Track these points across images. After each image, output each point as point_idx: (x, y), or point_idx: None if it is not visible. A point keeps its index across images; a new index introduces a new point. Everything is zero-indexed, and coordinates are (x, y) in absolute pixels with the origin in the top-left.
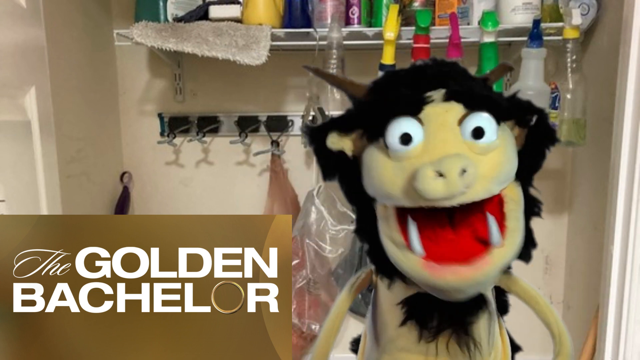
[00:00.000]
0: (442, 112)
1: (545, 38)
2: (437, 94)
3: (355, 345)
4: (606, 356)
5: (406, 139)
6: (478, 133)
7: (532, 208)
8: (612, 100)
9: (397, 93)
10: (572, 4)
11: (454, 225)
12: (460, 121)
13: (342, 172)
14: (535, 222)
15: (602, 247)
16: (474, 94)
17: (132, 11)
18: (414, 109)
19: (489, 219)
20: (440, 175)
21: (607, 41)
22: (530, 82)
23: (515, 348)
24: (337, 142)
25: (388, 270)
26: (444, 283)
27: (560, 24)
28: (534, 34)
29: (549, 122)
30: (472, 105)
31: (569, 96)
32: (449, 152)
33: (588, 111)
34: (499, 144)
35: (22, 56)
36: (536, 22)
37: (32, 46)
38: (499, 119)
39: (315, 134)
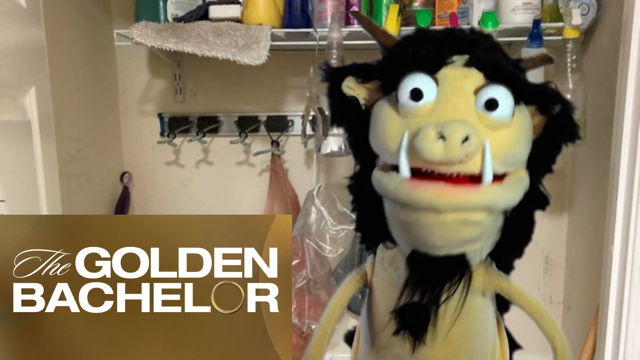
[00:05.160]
0: (460, 76)
1: (545, 38)
2: (460, 58)
3: (349, 337)
4: (606, 356)
5: (417, 94)
6: (491, 105)
7: (538, 202)
8: (612, 100)
9: (420, 49)
10: (572, 4)
11: None
12: (477, 90)
13: (352, 120)
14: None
15: (602, 247)
16: (497, 65)
17: (132, 11)
18: (431, 67)
19: (487, 152)
20: (442, 137)
21: (607, 41)
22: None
23: (514, 346)
24: (353, 87)
25: (374, 233)
26: (422, 196)
27: (560, 24)
28: (534, 34)
29: (572, 114)
30: (493, 76)
31: (569, 96)
32: (456, 117)
33: (588, 111)
34: (512, 122)
35: (22, 56)
36: (536, 22)
37: (32, 46)
38: (518, 97)
39: (333, 74)
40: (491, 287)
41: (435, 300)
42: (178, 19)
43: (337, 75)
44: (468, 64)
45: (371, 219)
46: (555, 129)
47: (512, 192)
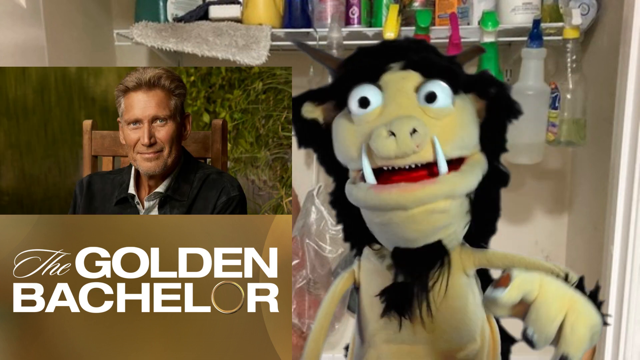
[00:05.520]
0: (400, 79)
1: (545, 38)
2: (397, 64)
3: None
4: (606, 356)
5: (365, 103)
6: (431, 97)
7: (499, 180)
8: (612, 100)
9: (360, 63)
10: (572, 4)
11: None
12: (417, 88)
13: (316, 140)
14: (535, 222)
15: (602, 247)
16: (430, 63)
17: (132, 11)
18: (373, 76)
19: (436, 145)
20: (392, 134)
21: (607, 41)
22: (530, 82)
23: (507, 339)
24: (311, 111)
25: (360, 239)
26: (388, 198)
27: (560, 24)
28: (534, 34)
29: (509, 94)
30: (428, 73)
31: (569, 96)
32: (402, 114)
33: (588, 111)
34: (454, 110)
35: (22, 56)
36: (536, 22)
37: (32, 46)
38: (455, 87)
39: (293, 103)
40: (469, 263)
41: (424, 287)
42: (178, 19)
43: (296, 103)
44: (405, 67)
45: (356, 227)
46: (496, 108)
47: (469, 177)
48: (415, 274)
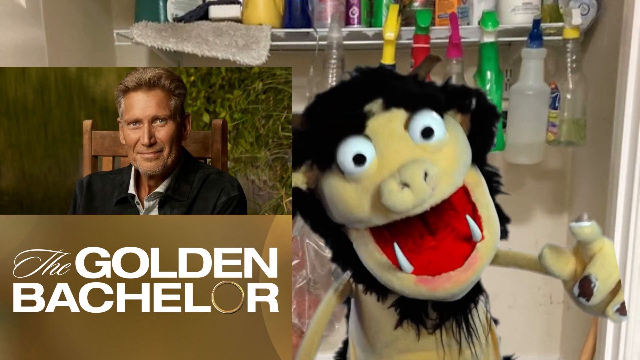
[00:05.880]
0: (386, 122)
1: (545, 38)
2: (375, 105)
3: (340, 357)
4: (606, 356)
5: (360, 159)
6: (427, 133)
7: (493, 185)
8: (612, 100)
9: (335, 114)
10: (572, 4)
11: (431, 230)
12: (406, 125)
13: (302, 207)
14: (535, 222)
15: None
16: (411, 95)
17: (132, 11)
18: (358, 127)
19: (468, 219)
20: (405, 185)
21: (607, 41)
22: (530, 82)
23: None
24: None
25: (380, 287)
26: (444, 292)
27: (560, 24)
28: (534, 34)
29: (488, 100)
30: (413, 106)
31: (569, 96)
32: (405, 160)
33: (588, 111)
34: (449, 137)
35: (22, 56)
36: (536, 22)
37: (32, 46)
38: (442, 111)
39: None
40: None
41: (466, 322)
42: (178, 19)
43: None
44: (385, 107)
45: (364, 270)
46: (479, 118)
47: (495, 227)
48: (452, 311)
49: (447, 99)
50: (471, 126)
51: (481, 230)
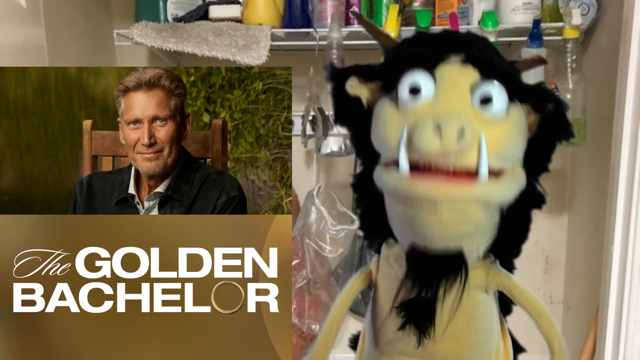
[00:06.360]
0: (457, 73)
1: (545, 38)
2: (457, 56)
3: (354, 342)
4: (606, 356)
5: (416, 90)
6: (486, 101)
7: (534, 201)
8: (612, 100)
9: (418, 48)
10: (572, 4)
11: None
12: (473, 87)
13: (355, 119)
14: (535, 222)
15: (602, 247)
16: (491, 62)
17: (132, 11)
18: (429, 64)
19: (483, 149)
20: (439, 130)
21: (607, 41)
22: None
23: (518, 349)
24: (356, 87)
25: (376, 231)
26: (420, 189)
27: (560, 24)
28: (534, 34)
29: (566, 114)
30: (487, 72)
31: (569, 96)
32: (453, 111)
33: (588, 111)
34: (506, 119)
35: (22, 56)
36: (536, 22)
37: (32, 46)
38: (512, 95)
39: (337, 75)
40: (494, 284)
41: (433, 296)
42: (178, 19)
43: (341, 75)
44: (464, 62)
45: (374, 216)
46: (550, 127)
47: (508, 189)
48: (427, 280)
49: (527, 92)
50: (537, 131)
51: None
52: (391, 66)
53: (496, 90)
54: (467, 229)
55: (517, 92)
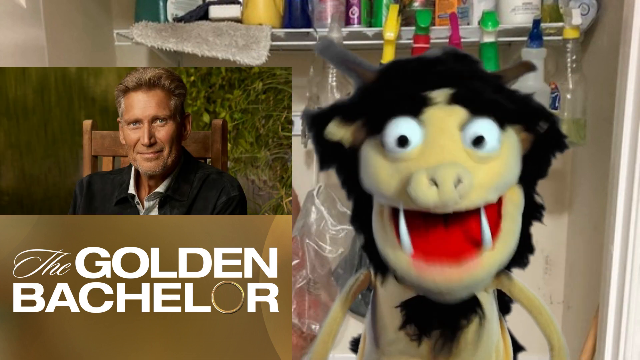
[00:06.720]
0: (444, 116)
1: (545, 38)
2: (442, 94)
3: (355, 345)
4: (606, 356)
5: (403, 140)
6: (479, 141)
7: (533, 212)
8: (612, 100)
9: (400, 90)
10: (572, 4)
11: (447, 222)
12: (463, 126)
13: (340, 162)
14: (535, 222)
15: (602, 247)
16: (478, 98)
17: (132, 11)
18: (414, 110)
19: (482, 220)
20: (434, 183)
21: (607, 41)
22: (530, 82)
23: (518, 348)
24: (335, 132)
25: (382, 264)
26: (431, 284)
27: (560, 24)
28: (534, 34)
29: (560, 130)
30: (476, 110)
31: (569, 96)
32: (446, 159)
33: (588, 111)
34: (500, 152)
35: (22, 56)
36: (536, 22)
37: (32, 46)
38: (504, 123)
39: (315, 121)
40: (493, 283)
41: (453, 334)
42: (178, 19)
43: (320, 120)
44: (450, 102)
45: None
46: (544, 144)
47: (511, 241)
48: (444, 328)
49: (519, 113)
50: (531, 148)
51: (494, 240)
52: (373, 109)
53: (487, 129)
54: (479, 289)
55: (508, 119)
